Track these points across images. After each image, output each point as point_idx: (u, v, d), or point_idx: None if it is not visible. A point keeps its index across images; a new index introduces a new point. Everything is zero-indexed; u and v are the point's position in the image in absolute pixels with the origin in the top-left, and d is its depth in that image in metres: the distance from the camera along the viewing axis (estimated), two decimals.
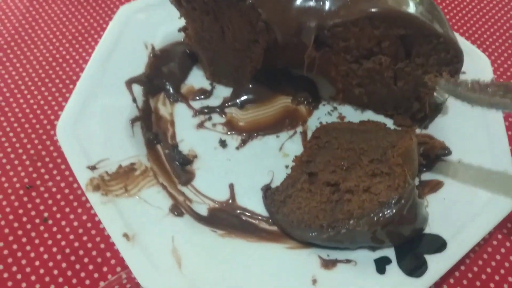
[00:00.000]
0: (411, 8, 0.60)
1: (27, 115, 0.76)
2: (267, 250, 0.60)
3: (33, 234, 0.65)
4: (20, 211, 0.67)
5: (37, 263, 0.63)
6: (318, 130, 0.71)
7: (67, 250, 0.64)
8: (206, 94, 0.76)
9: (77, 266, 0.63)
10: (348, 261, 0.59)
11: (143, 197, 0.62)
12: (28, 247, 0.64)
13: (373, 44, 0.64)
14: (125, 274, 0.60)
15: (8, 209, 0.67)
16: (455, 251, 0.58)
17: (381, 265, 0.58)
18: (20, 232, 0.65)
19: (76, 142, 0.63)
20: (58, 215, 0.67)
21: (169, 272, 0.55)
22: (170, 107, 0.74)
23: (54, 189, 0.69)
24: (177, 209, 0.62)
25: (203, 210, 0.64)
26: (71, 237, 0.65)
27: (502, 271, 0.65)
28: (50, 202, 0.68)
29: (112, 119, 0.68)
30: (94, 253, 0.64)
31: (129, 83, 0.72)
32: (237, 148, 0.71)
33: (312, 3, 0.63)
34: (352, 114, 0.75)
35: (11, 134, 0.74)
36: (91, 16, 0.89)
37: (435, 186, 0.66)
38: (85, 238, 0.65)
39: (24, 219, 0.66)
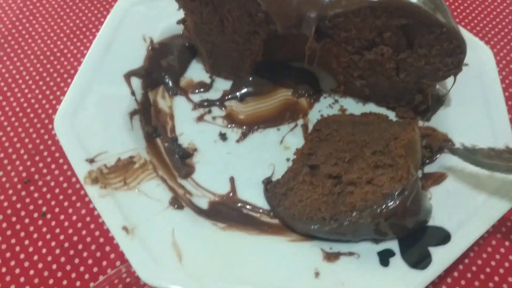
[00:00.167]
0: None
1: (24, 109, 0.75)
2: (269, 243, 0.59)
3: (31, 228, 0.65)
4: (18, 206, 0.66)
5: (35, 257, 0.62)
6: (319, 122, 0.70)
7: (66, 245, 0.64)
8: (206, 87, 0.76)
9: (76, 261, 0.62)
10: (351, 253, 0.58)
11: (143, 190, 0.61)
12: (26, 242, 0.64)
13: (375, 34, 0.63)
14: (124, 268, 0.60)
15: (6, 204, 0.66)
16: (460, 243, 0.58)
17: (384, 257, 0.57)
18: (18, 227, 0.65)
19: (74, 135, 0.63)
20: (57, 209, 0.66)
21: (169, 265, 0.54)
22: (169, 100, 0.74)
23: (52, 183, 0.68)
24: (177, 202, 0.61)
25: (203, 204, 0.63)
26: (70, 231, 0.65)
27: (507, 264, 0.65)
28: (48, 196, 0.67)
29: (110, 112, 0.67)
30: (93, 247, 0.64)
31: (128, 76, 0.71)
32: (237, 141, 0.71)
33: None
34: (354, 107, 0.74)
35: (8, 129, 0.73)
36: (89, 9, 0.88)
37: (439, 178, 0.65)
38: (84, 232, 0.65)
39: (22, 213, 0.66)
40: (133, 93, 0.70)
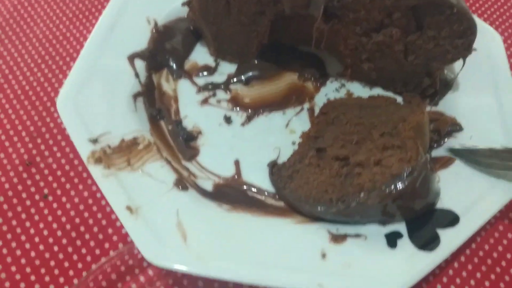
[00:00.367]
0: None
1: (26, 92, 0.74)
2: (275, 225, 0.58)
3: (32, 210, 0.64)
4: (20, 188, 0.65)
5: (36, 239, 0.61)
6: (326, 106, 0.69)
7: (68, 227, 0.63)
8: (210, 70, 0.75)
9: (78, 243, 0.61)
10: (358, 235, 0.57)
11: (147, 171, 0.60)
12: (27, 223, 0.63)
13: (384, 15, 0.62)
14: (126, 250, 0.59)
15: (7, 186, 0.65)
16: (468, 225, 0.57)
17: (392, 239, 0.56)
18: (19, 209, 0.64)
19: (77, 115, 0.61)
20: (59, 192, 0.65)
21: (174, 245, 0.53)
22: (174, 83, 0.73)
23: (54, 166, 0.67)
24: (182, 183, 0.60)
25: (208, 186, 0.62)
26: (72, 213, 0.64)
27: None
28: (50, 178, 0.66)
29: (114, 93, 0.66)
30: (95, 229, 0.63)
31: (132, 58, 0.70)
32: (242, 124, 0.70)
33: None
34: (361, 91, 0.73)
35: (10, 111, 0.72)
36: None
37: (447, 162, 0.64)
38: (86, 214, 0.64)
39: (24, 195, 0.65)
40: (137, 75, 0.69)
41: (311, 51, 0.75)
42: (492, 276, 0.62)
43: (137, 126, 0.64)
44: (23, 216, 0.63)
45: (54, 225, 0.62)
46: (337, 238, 0.56)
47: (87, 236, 0.62)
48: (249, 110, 0.71)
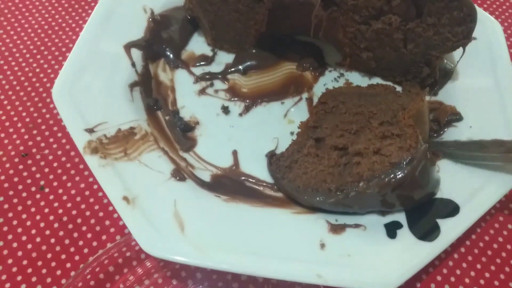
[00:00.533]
0: None
1: (22, 83, 0.73)
2: (273, 215, 0.58)
3: (29, 202, 0.63)
4: (16, 179, 0.65)
5: (33, 231, 0.61)
6: (325, 95, 0.68)
7: (65, 218, 0.62)
8: (208, 60, 0.74)
9: (75, 235, 0.61)
10: (357, 225, 0.56)
11: (144, 161, 0.59)
12: (24, 216, 0.62)
13: (383, 2, 0.61)
14: (124, 242, 0.58)
15: (3, 177, 0.65)
16: (469, 215, 0.56)
17: (391, 229, 0.56)
18: (15, 201, 0.63)
19: (72, 105, 0.61)
20: (55, 183, 0.65)
21: (171, 235, 0.52)
22: (170, 73, 0.72)
23: (50, 157, 0.67)
24: (179, 174, 0.59)
25: (206, 176, 0.62)
26: (69, 205, 0.63)
27: None
28: (46, 170, 0.66)
29: (110, 83, 0.65)
30: (92, 221, 0.62)
31: (128, 47, 0.69)
32: (240, 114, 0.69)
33: None
34: (360, 81, 0.73)
35: (5, 102, 0.72)
36: None
37: None
38: (83, 206, 0.63)
39: (20, 187, 0.64)
40: (133, 65, 0.68)
41: (309, 41, 0.74)
42: (492, 267, 0.61)
43: (134, 116, 0.64)
44: (19, 208, 0.62)
45: (51, 217, 0.62)
46: (336, 228, 0.56)
47: (84, 228, 0.61)
48: (247, 100, 0.70)
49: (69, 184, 0.65)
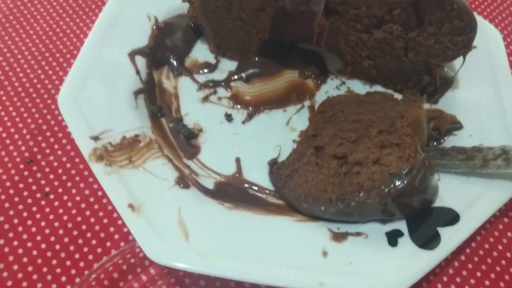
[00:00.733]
0: None
1: (27, 89, 0.74)
2: (276, 223, 0.58)
3: (34, 209, 0.64)
4: (21, 186, 0.65)
5: (38, 238, 0.61)
6: (323, 104, 0.69)
7: (69, 225, 0.63)
8: (211, 67, 0.75)
9: (80, 241, 0.62)
10: (359, 234, 0.57)
11: (148, 169, 0.60)
12: (29, 222, 0.63)
13: (385, 11, 0.62)
14: (128, 249, 0.59)
15: (8, 184, 0.65)
16: (469, 223, 0.57)
17: (393, 238, 0.57)
18: (21, 207, 0.64)
19: (78, 112, 0.61)
20: (60, 190, 0.65)
21: (176, 243, 0.53)
22: (174, 80, 0.73)
23: (55, 164, 0.67)
24: (183, 181, 0.60)
25: (209, 184, 0.62)
26: (73, 212, 0.64)
27: None
28: (51, 176, 0.66)
29: (114, 90, 0.66)
30: (97, 228, 0.63)
31: (132, 54, 0.70)
32: (243, 122, 0.70)
33: None
34: (361, 89, 0.73)
35: (10, 108, 0.72)
36: None
37: None
38: (87, 213, 0.64)
39: (25, 193, 0.65)
40: (137, 72, 0.69)
41: (311, 49, 0.75)
42: (492, 275, 0.62)
43: (138, 123, 0.64)
44: (25, 214, 0.63)
45: (56, 224, 0.62)
46: (338, 237, 0.57)
47: (88, 235, 0.62)
48: (250, 107, 0.71)
49: (74, 191, 0.65)
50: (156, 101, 0.69)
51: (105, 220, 0.63)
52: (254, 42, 0.72)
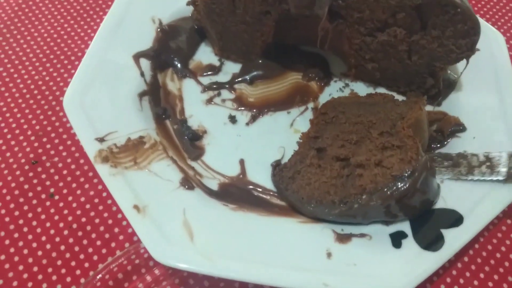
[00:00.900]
0: None
1: (32, 91, 0.75)
2: (280, 224, 0.58)
3: (39, 209, 0.64)
4: (26, 187, 0.66)
5: (43, 238, 0.62)
6: (325, 106, 0.69)
7: (74, 226, 0.63)
8: (215, 70, 0.75)
9: (85, 242, 0.62)
10: (363, 235, 0.57)
11: (153, 170, 0.60)
12: (34, 223, 0.63)
13: (388, 15, 0.62)
14: (133, 249, 0.59)
15: (13, 185, 0.66)
16: (472, 225, 0.57)
17: (396, 239, 0.57)
18: (26, 208, 0.64)
19: (83, 114, 0.62)
20: (65, 191, 0.66)
21: (181, 244, 0.53)
22: (178, 82, 0.73)
23: (60, 165, 0.68)
24: (188, 182, 0.60)
25: (213, 185, 0.63)
26: (78, 212, 0.64)
27: None
28: (56, 177, 0.67)
29: (119, 92, 0.66)
30: (101, 228, 0.63)
31: (137, 57, 0.70)
32: (247, 124, 0.70)
33: None
34: (364, 91, 0.74)
35: (15, 110, 0.73)
36: None
37: None
38: (92, 213, 0.64)
39: (30, 194, 0.65)
40: (142, 74, 0.69)
41: (315, 51, 0.75)
42: (496, 277, 0.62)
43: (143, 125, 0.65)
44: (30, 215, 0.63)
45: (61, 224, 0.63)
46: (342, 238, 0.57)
47: (93, 236, 0.62)
48: (254, 109, 0.71)
49: (78, 192, 0.66)
50: (160, 103, 0.70)
51: (110, 221, 0.63)
52: (258, 45, 0.72)
